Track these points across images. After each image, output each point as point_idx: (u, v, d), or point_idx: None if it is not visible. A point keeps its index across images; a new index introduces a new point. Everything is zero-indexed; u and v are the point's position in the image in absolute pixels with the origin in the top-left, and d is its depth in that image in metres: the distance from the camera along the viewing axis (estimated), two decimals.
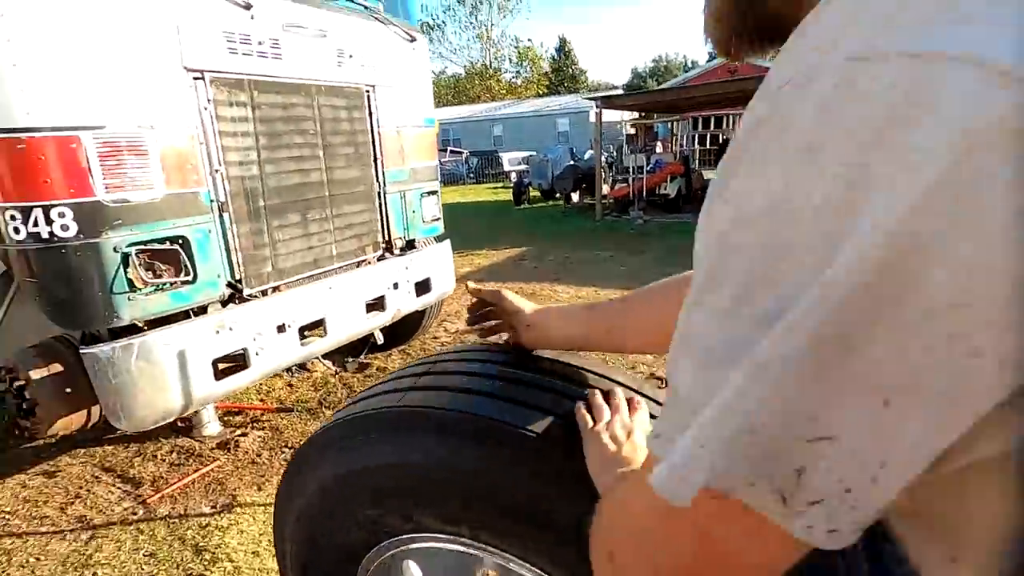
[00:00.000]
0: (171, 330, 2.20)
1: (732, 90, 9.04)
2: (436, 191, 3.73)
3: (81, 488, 2.66)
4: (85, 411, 2.54)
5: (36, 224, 1.93)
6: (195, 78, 2.23)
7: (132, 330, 2.15)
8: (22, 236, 1.94)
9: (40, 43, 1.83)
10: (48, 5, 1.85)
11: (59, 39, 1.87)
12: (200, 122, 2.26)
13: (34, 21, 1.83)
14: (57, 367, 2.40)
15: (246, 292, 2.52)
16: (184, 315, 2.31)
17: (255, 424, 3.14)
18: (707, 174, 12.29)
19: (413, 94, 3.40)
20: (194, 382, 2.29)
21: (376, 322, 3.23)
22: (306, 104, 2.70)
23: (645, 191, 10.21)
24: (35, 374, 2.35)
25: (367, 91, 3.04)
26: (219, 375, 2.41)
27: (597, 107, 10.11)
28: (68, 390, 2.42)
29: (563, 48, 48.62)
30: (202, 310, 2.38)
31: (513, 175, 22.26)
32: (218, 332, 2.36)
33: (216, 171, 2.33)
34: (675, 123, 14.29)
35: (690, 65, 61.97)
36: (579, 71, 49.94)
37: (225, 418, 3.20)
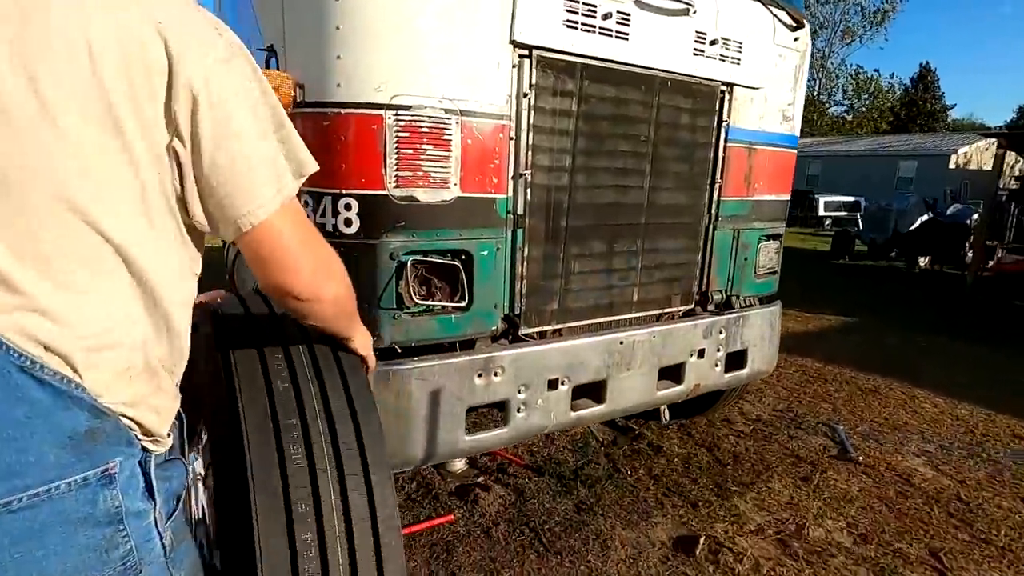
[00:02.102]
0: (430, 363, 1.76)
1: None
2: (780, 235, 2.73)
3: None
4: None
5: (324, 214, 1.65)
6: (521, 56, 1.75)
7: (385, 355, 1.78)
8: None
9: (365, 2, 1.53)
10: None
11: None
12: (514, 112, 1.78)
13: None
14: None
15: (522, 331, 1.98)
16: (445, 347, 1.86)
17: (500, 475, 2.64)
18: None
19: (779, 102, 2.48)
20: (442, 431, 1.83)
21: (667, 396, 2.42)
22: (644, 101, 2.04)
23: None
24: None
25: (723, 91, 2.25)
26: (470, 428, 1.91)
27: (1000, 147, 7.44)
28: None
29: (923, 79, 40.18)
30: (466, 344, 1.91)
31: (828, 221, 18.93)
32: (480, 375, 1.86)
33: (521, 175, 1.82)
34: None
35: None
36: (940, 107, 40.65)
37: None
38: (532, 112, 1.79)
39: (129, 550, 0.67)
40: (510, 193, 1.83)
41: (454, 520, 2.32)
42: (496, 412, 2.03)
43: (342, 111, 1.57)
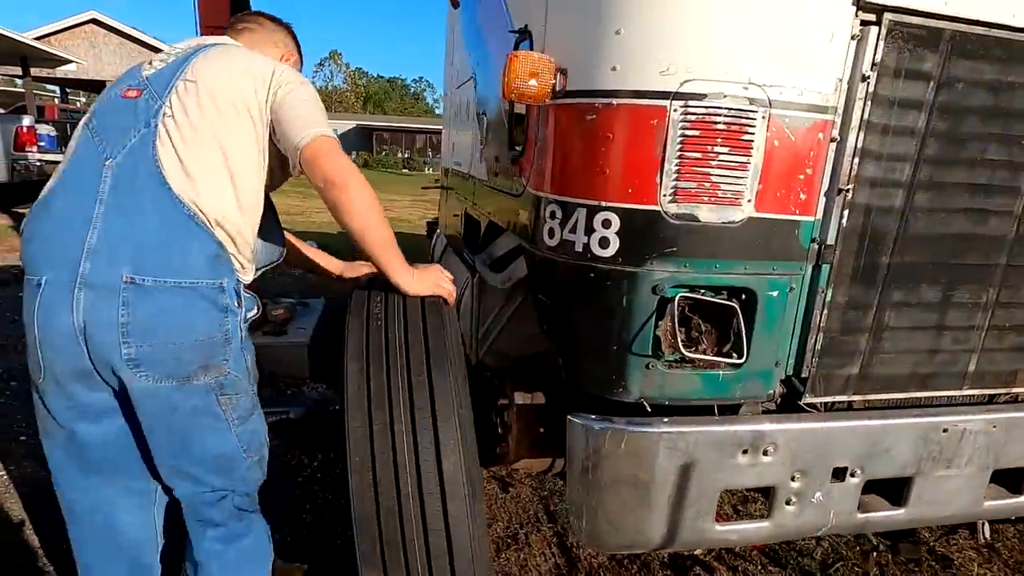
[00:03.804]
0: (685, 429, 1.36)
1: None
2: None
3: (518, 529, 2.26)
4: (549, 460, 2.07)
5: (574, 230, 1.34)
6: (865, 22, 1.24)
7: (627, 410, 1.41)
8: (554, 241, 1.40)
9: None
10: None
11: None
12: (843, 103, 1.28)
13: None
14: (540, 399, 1.96)
15: (806, 399, 1.47)
16: (700, 411, 1.43)
17: (726, 553, 2.14)
18: None
19: None
20: (688, 515, 1.42)
21: (998, 508, 1.70)
22: None
23: None
24: (519, 397, 1.96)
25: None
26: (721, 516, 1.47)
27: None
28: (542, 430, 1.97)
29: None
30: (726, 409, 1.47)
31: None
32: (746, 452, 1.40)
33: (841, 191, 1.32)
34: None
35: None
36: None
37: None
38: (869, 103, 1.27)
39: (228, 327, 1.24)
40: (819, 215, 1.33)
41: None
42: (754, 494, 1.56)
43: (613, 102, 1.24)
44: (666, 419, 1.38)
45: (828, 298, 1.39)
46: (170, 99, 1.22)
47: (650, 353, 1.34)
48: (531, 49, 1.50)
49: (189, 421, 1.22)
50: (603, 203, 1.28)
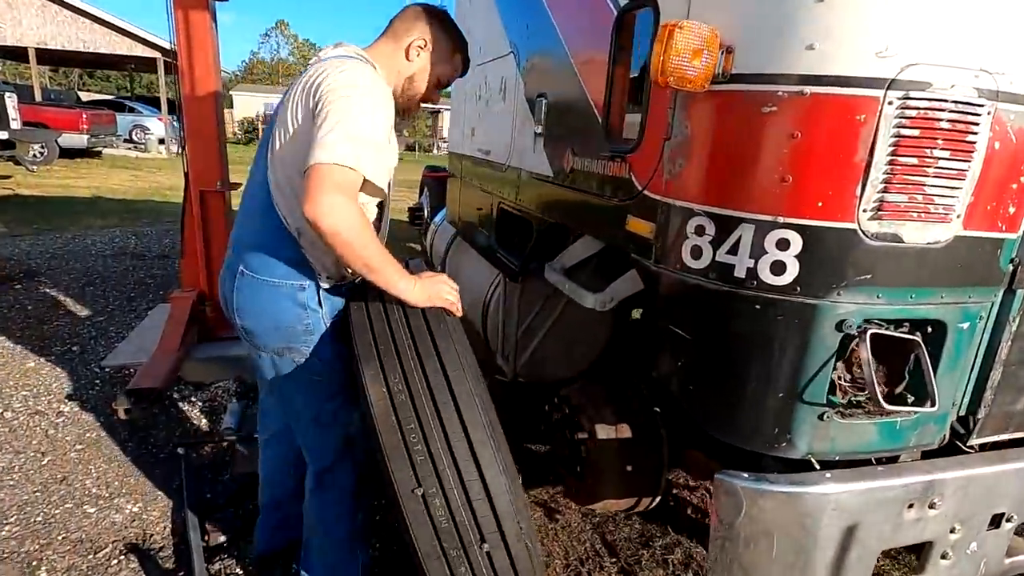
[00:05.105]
0: (854, 486, 1.13)
1: None
2: None
3: (579, 566, 2.02)
4: (634, 500, 1.82)
5: (735, 250, 1.07)
6: None
7: (782, 465, 1.18)
8: (702, 263, 1.13)
9: None
10: None
11: None
12: None
13: None
14: (625, 431, 1.70)
15: (973, 440, 1.28)
16: (857, 462, 1.22)
17: None
18: None
19: None
20: None
21: None
22: None
23: None
24: (602, 431, 1.70)
25: None
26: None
27: None
28: (629, 468, 1.72)
29: None
30: (886, 460, 1.26)
31: None
32: (911, 507, 1.19)
33: None
34: None
35: None
36: None
37: None
38: None
39: (309, 322, 1.42)
40: (1021, 231, 1.11)
41: None
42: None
43: (805, 90, 0.96)
44: (828, 474, 1.15)
45: (1016, 328, 1.18)
46: (274, 126, 1.41)
47: (824, 402, 1.10)
48: (655, 24, 1.21)
49: (283, 384, 1.51)
50: (780, 219, 1.02)
